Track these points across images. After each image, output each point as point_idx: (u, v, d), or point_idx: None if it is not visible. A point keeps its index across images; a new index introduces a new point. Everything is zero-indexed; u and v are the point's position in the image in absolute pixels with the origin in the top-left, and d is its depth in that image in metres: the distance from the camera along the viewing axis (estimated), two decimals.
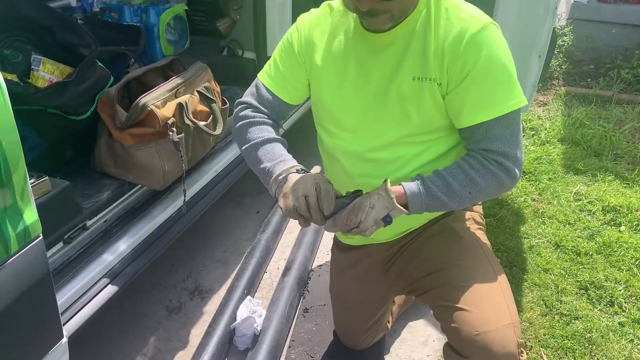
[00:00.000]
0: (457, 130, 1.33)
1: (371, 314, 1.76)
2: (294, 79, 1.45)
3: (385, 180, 1.24)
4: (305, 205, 1.21)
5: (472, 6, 1.28)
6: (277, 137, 1.42)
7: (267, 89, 1.46)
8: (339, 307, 1.84)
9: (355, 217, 1.21)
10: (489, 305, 1.30)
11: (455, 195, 1.26)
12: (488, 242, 1.50)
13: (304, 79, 1.45)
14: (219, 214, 2.75)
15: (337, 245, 1.74)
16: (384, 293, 1.69)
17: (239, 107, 1.50)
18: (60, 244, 1.59)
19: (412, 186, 1.26)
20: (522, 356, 1.26)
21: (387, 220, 1.23)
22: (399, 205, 1.22)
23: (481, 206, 1.59)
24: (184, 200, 1.92)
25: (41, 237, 1.17)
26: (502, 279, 1.38)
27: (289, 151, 1.41)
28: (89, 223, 1.67)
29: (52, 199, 1.49)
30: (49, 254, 1.54)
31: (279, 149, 1.38)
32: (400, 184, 1.26)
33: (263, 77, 1.49)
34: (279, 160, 1.34)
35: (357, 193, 1.25)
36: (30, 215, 1.13)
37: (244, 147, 1.43)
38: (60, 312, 1.38)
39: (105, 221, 1.78)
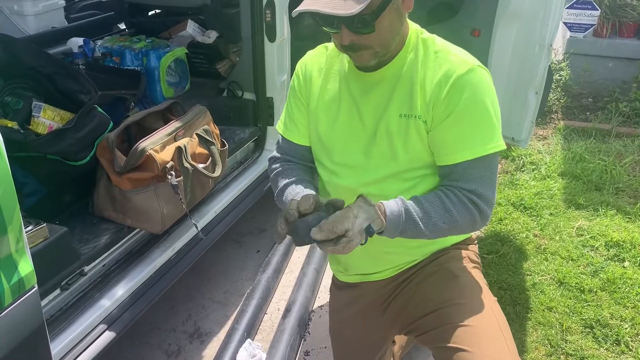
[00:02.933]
0: None
1: (370, 355, 1.73)
2: (304, 121, 1.48)
3: (361, 195, 1.22)
4: (285, 211, 1.20)
5: (462, 50, 1.32)
6: (303, 177, 1.44)
7: (284, 137, 1.52)
8: (339, 348, 1.81)
9: (342, 224, 1.17)
10: (488, 345, 1.29)
11: (430, 224, 1.25)
12: (484, 281, 1.49)
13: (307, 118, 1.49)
14: (218, 254, 2.74)
15: (335, 284, 1.73)
16: (382, 333, 1.67)
17: (269, 163, 1.56)
18: (57, 291, 1.58)
19: (392, 205, 1.24)
20: None
21: (369, 230, 1.20)
22: (380, 216, 1.21)
23: (477, 245, 1.59)
24: (197, 230, 1.93)
25: (36, 287, 1.16)
26: (501, 318, 1.38)
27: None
28: (86, 269, 1.67)
29: (50, 245, 1.48)
30: (45, 301, 1.54)
31: (300, 187, 1.39)
32: (380, 202, 1.24)
33: (279, 126, 1.54)
34: (297, 193, 1.36)
35: (337, 202, 1.23)
36: (25, 267, 1.13)
37: (275, 198, 1.46)
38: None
39: (103, 266, 1.78)
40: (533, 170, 3.42)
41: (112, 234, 1.77)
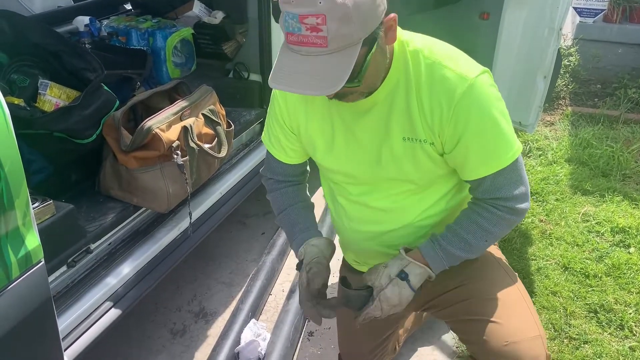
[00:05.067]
0: (456, 173, 1.32)
1: (380, 332, 1.73)
2: (290, 144, 1.45)
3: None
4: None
5: (455, 56, 1.22)
6: (290, 205, 1.50)
7: (271, 155, 1.50)
8: (346, 327, 1.81)
9: (369, 275, 1.30)
10: (515, 317, 1.31)
11: (472, 248, 1.29)
12: (504, 257, 1.51)
13: (298, 143, 1.44)
14: (224, 236, 2.75)
15: (347, 267, 1.73)
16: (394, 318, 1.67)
17: (262, 179, 1.59)
18: (64, 268, 1.59)
19: (428, 249, 1.30)
20: None
21: (402, 276, 1.27)
22: (415, 261, 1.28)
23: None
24: (190, 222, 1.92)
25: (43, 262, 1.17)
26: (524, 292, 1.40)
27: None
28: (92, 246, 1.68)
29: (56, 222, 1.49)
30: (52, 277, 1.54)
31: (290, 224, 1.49)
32: (417, 247, 1.31)
33: (265, 140, 1.52)
34: (293, 238, 1.47)
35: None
36: (32, 241, 1.13)
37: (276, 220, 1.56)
38: (61, 337, 1.37)
39: (109, 244, 1.79)
40: (540, 155, 3.40)
41: (118, 213, 1.77)
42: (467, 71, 1.18)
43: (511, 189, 1.24)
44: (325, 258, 1.38)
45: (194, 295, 2.38)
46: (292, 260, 2.59)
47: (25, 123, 1.60)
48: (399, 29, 1.18)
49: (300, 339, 2.12)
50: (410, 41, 1.23)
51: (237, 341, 2.03)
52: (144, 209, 1.88)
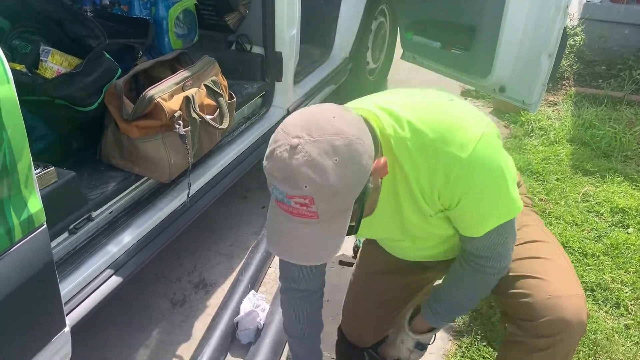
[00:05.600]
0: None
1: (390, 307, 1.75)
2: None
3: (404, 318, 1.55)
4: None
5: (444, 129, 1.15)
6: (302, 337, 1.58)
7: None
8: (354, 299, 1.82)
9: (392, 349, 1.59)
10: (558, 275, 1.34)
11: (466, 306, 1.47)
12: (541, 220, 1.54)
13: None
14: (224, 209, 2.76)
15: (370, 242, 1.75)
16: (420, 276, 1.70)
17: (280, 290, 1.57)
18: (66, 234, 1.60)
19: (429, 318, 1.46)
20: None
21: (419, 347, 1.54)
22: (424, 335, 1.50)
23: (522, 186, 1.58)
24: (188, 194, 1.92)
25: (45, 225, 1.17)
26: (564, 254, 1.44)
27: None
28: (94, 214, 1.68)
29: (58, 189, 1.49)
30: (53, 243, 1.55)
31: (295, 349, 1.61)
32: (419, 317, 1.50)
33: None
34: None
35: None
36: (35, 204, 1.14)
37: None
38: (63, 302, 1.39)
39: (110, 212, 1.79)
40: (542, 135, 3.39)
41: (120, 181, 1.78)
42: (459, 147, 1.13)
43: (494, 253, 1.28)
44: None
45: (194, 267, 2.40)
46: None
47: (27, 89, 1.59)
48: (376, 115, 1.17)
49: None
50: (394, 130, 1.17)
51: (237, 311, 2.05)
52: (145, 178, 1.88)
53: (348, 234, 1.08)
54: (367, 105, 1.20)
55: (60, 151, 1.80)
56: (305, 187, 0.96)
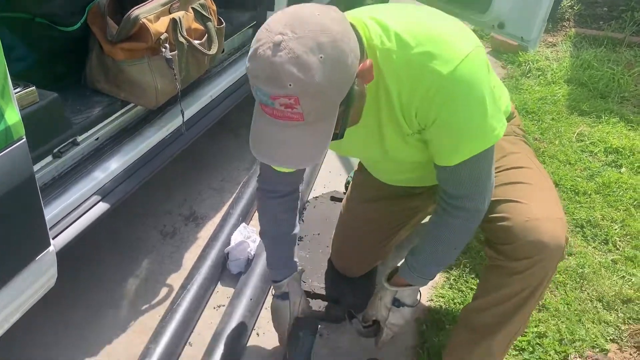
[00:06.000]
0: None
1: (382, 238, 1.76)
2: None
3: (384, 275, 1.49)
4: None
5: (431, 42, 1.10)
6: (275, 238, 1.58)
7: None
8: (347, 224, 1.81)
9: (372, 309, 1.50)
10: (539, 199, 1.32)
11: (444, 259, 1.39)
12: (531, 150, 1.51)
13: None
14: (216, 144, 2.72)
15: (362, 172, 1.73)
16: (415, 204, 1.68)
17: (256, 189, 1.58)
18: (49, 158, 1.55)
19: (406, 275, 1.42)
20: (565, 252, 1.29)
21: (396, 304, 1.45)
22: (401, 287, 1.43)
23: (517, 117, 1.55)
24: (183, 120, 1.88)
25: (24, 139, 1.14)
26: (550, 180, 1.42)
27: None
28: (79, 139, 1.64)
29: (40, 110, 1.44)
30: (38, 167, 1.52)
31: (270, 257, 1.61)
32: (397, 274, 1.45)
33: None
34: (275, 265, 1.60)
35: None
36: (12, 116, 1.09)
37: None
38: (48, 225, 1.37)
39: (96, 139, 1.75)
40: (539, 76, 3.34)
41: (105, 107, 1.73)
42: (442, 63, 1.09)
43: (468, 189, 1.25)
44: (304, 295, 1.64)
45: (185, 200, 2.39)
46: None
47: (4, 3, 1.52)
48: (365, 23, 1.13)
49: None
50: (382, 38, 1.12)
51: (227, 242, 2.05)
52: (132, 105, 1.83)
53: (333, 139, 1.06)
54: (358, 14, 1.16)
55: (43, 75, 1.72)
56: (290, 85, 0.93)
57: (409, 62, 1.10)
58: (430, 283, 1.93)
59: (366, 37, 1.11)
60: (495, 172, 1.37)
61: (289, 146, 1.02)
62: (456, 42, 1.11)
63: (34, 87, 1.41)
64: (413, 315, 1.50)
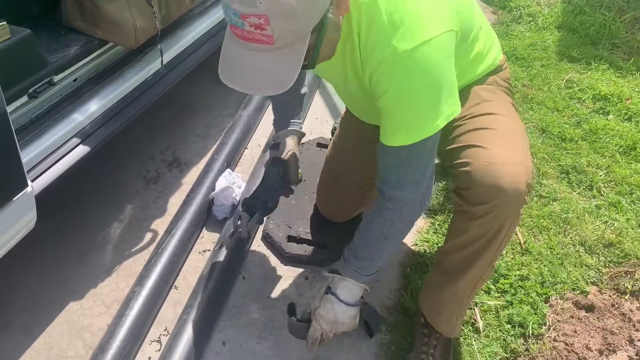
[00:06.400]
0: None
1: (368, 175, 1.74)
2: None
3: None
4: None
5: (405, 17, 1.08)
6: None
7: None
8: (333, 167, 1.79)
9: (312, 302, 1.44)
10: (503, 144, 1.28)
11: (379, 252, 1.35)
12: (509, 99, 1.46)
13: None
14: (199, 90, 2.66)
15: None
16: None
17: None
18: (25, 98, 1.50)
19: (343, 268, 1.39)
20: (527, 198, 1.25)
21: (328, 292, 1.39)
22: (337, 275, 1.39)
23: (506, 70, 1.51)
24: (162, 60, 1.82)
25: None
26: (521, 128, 1.37)
27: None
28: (55, 79, 1.58)
29: (12, 46, 1.38)
30: (12, 107, 1.47)
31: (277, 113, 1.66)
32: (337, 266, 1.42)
33: None
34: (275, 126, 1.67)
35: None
36: None
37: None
38: (26, 167, 1.33)
39: (74, 80, 1.69)
40: (529, 22, 3.28)
41: (82, 45, 1.66)
42: (401, 39, 1.07)
43: (392, 175, 1.24)
44: (296, 151, 1.64)
45: (168, 146, 2.35)
46: (268, 117, 2.54)
47: None
48: None
49: (275, 186, 2.11)
50: None
51: (212, 188, 2.02)
52: (110, 45, 1.77)
53: (303, 69, 1.03)
54: None
55: (16, 13, 1.65)
56: (260, 3, 0.90)
57: (372, 23, 1.09)
58: (415, 228, 1.95)
59: None
60: (465, 119, 1.36)
61: (257, 73, 1.00)
62: (427, 23, 1.09)
63: (4, 22, 1.36)
64: (349, 319, 1.39)
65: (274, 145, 1.62)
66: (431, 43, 1.07)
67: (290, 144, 1.63)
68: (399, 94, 1.12)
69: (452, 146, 1.34)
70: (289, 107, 1.65)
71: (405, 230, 1.37)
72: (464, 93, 1.40)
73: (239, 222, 1.48)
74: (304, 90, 1.65)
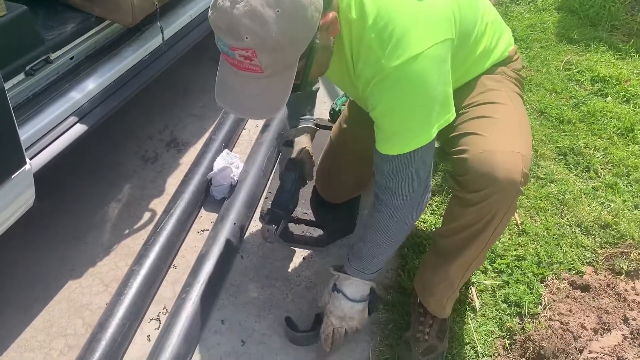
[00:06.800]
0: None
1: (367, 164, 1.74)
2: None
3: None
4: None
5: (395, 31, 1.08)
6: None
7: None
8: (335, 148, 1.79)
9: (320, 297, 1.52)
10: (501, 132, 1.28)
11: (381, 251, 1.37)
12: (517, 89, 1.45)
13: None
14: (196, 71, 2.64)
15: None
16: None
17: None
18: (22, 76, 1.49)
19: (348, 267, 1.43)
20: (522, 188, 1.24)
21: (335, 289, 1.44)
22: (343, 274, 1.43)
23: (517, 61, 1.49)
24: (162, 37, 1.80)
25: None
26: (523, 118, 1.37)
27: None
28: (53, 56, 1.57)
29: (9, 23, 1.37)
30: (10, 84, 1.46)
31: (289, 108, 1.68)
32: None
33: None
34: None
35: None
36: None
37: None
38: (24, 145, 1.32)
39: (71, 58, 1.68)
40: (529, 3, 3.26)
41: (79, 23, 1.65)
42: (389, 55, 1.08)
43: (388, 182, 1.25)
44: (309, 147, 1.67)
45: (165, 126, 2.34)
46: None
47: None
48: None
49: (273, 170, 2.12)
50: (344, 3, 1.11)
51: (210, 168, 2.02)
52: (107, 22, 1.75)
53: (294, 91, 1.07)
54: None
55: None
56: (247, 38, 0.95)
57: (361, 43, 1.11)
58: None
59: None
60: (468, 107, 1.36)
61: (249, 98, 1.05)
62: (417, 34, 1.09)
63: None
64: (358, 313, 1.44)
65: (288, 142, 1.64)
66: (420, 57, 1.09)
67: (304, 141, 1.65)
68: (389, 109, 1.14)
69: (453, 134, 1.34)
70: (301, 103, 1.66)
71: (401, 235, 1.38)
72: (470, 83, 1.41)
73: (267, 234, 1.52)
74: (316, 86, 1.66)
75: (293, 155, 1.64)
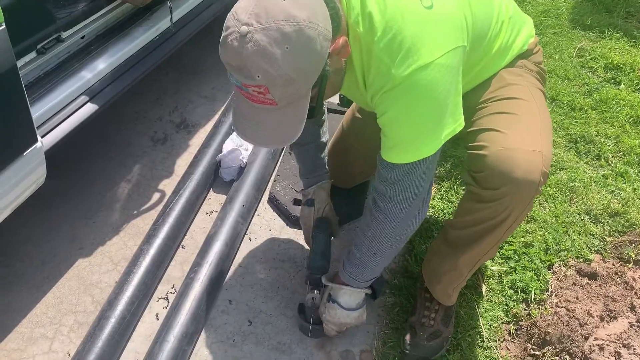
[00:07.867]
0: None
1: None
2: None
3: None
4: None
5: (403, 41, 1.07)
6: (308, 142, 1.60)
7: None
8: (351, 139, 1.78)
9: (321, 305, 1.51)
10: (521, 130, 1.26)
11: (375, 259, 1.38)
12: (538, 84, 1.42)
13: None
14: (207, 52, 2.64)
15: None
16: None
17: None
18: (33, 54, 1.50)
19: (342, 275, 1.44)
20: (540, 188, 1.23)
21: (330, 299, 1.46)
22: (336, 284, 1.45)
23: (537, 53, 1.46)
24: (171, 17, 1.80)
25: (4, 26, 1.08)
26: (545, 116, 1.34)
27: None
28: (64, 35, 1.57)
29: (20, 2, 1.37)
30: (21, 62, 1.46)
31: (300, 166, 1.66)
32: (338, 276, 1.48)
33: None
34: (305, 174, 1.66)
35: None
36: None
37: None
38: (35, 123, 1.33)
39: (82, 38, 1.68)
40: None
41: (91, 2, 1.65)
42: (398, 64, 1.06)
43: (390, 190, 1.25)
44: (330, 203, 1.66)
45: (175, 107, 2.34)
46: None
47: None
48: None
49: (283, 152, 2.12)
50: (352, 18, 1.10)
51: (219, 150, 2.03)
52: (118, 2, 1.75)
53: (309, 117, 1.09)
54: None
55: None
56: (258, 77, 0.96)
57: (371, 53, 1.10)
58: None
59: (345, 10, 1.10)
60: (488, 102, 1.34)
61: (266, 128, 1.07)
62: (427, 42, 1.07)
63: None
64: (354, 319, 1.47)
65: (309, 201, 1.64)
66: (431, 66, 1.07)
67: (323, 196, 1.65)
68: (396, 117, 1.14)
69: (472, 129, 1.32)
70: (313, 155, 1.64)
71: (395, 244, 1.37)
72: (489, 78, 1.38)
73: (311, 303, 1.52)
74: (325, 138, 1.64)
75: (318, 215, 1.63)
